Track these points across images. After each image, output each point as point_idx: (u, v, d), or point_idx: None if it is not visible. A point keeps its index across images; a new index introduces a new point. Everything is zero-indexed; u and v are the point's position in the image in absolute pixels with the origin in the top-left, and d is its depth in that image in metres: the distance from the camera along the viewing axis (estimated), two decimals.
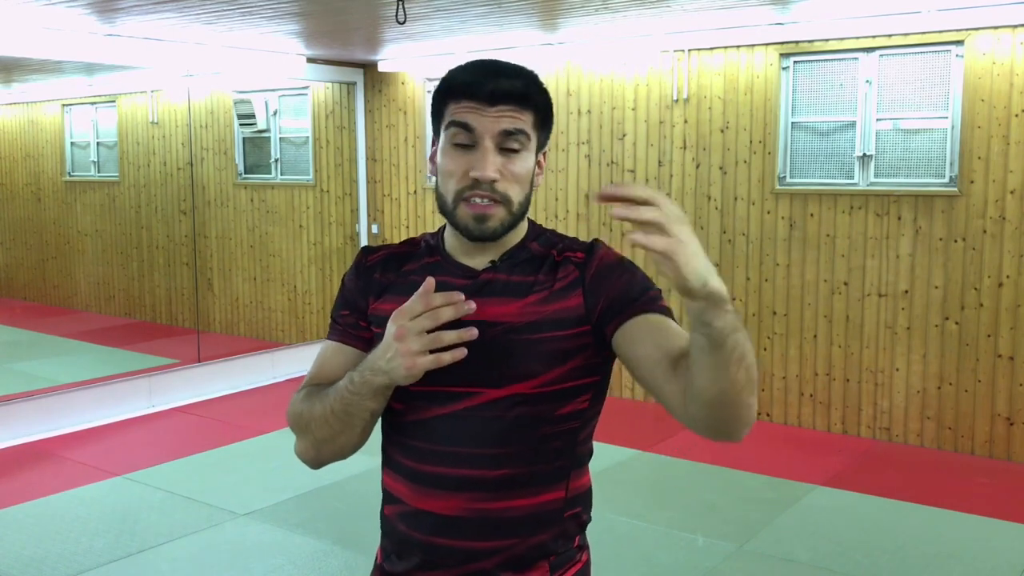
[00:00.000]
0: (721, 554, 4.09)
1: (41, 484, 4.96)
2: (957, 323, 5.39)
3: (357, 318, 1.52)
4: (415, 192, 7.71)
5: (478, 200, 1.39)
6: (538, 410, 1.40)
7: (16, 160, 10.13)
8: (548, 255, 1.47)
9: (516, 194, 1.42)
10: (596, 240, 1.50)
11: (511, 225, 1.43)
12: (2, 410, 5.76)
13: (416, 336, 1.27)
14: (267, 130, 8.25)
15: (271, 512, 4.55)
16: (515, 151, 1.40)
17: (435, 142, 1.47)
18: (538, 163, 1.47)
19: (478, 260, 1.47)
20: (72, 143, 9.60)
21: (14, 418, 5.76)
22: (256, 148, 8.44)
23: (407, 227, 7.78)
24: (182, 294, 8.78)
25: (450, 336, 1.27)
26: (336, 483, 4.87)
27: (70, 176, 9.65)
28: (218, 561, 4.06)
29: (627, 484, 4.95)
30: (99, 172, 9.43)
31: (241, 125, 8.29)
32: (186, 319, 8.65)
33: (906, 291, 5.53)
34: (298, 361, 7.56)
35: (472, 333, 1.28)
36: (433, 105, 1.46)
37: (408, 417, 1.45)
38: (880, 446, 5.61)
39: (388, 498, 1.51)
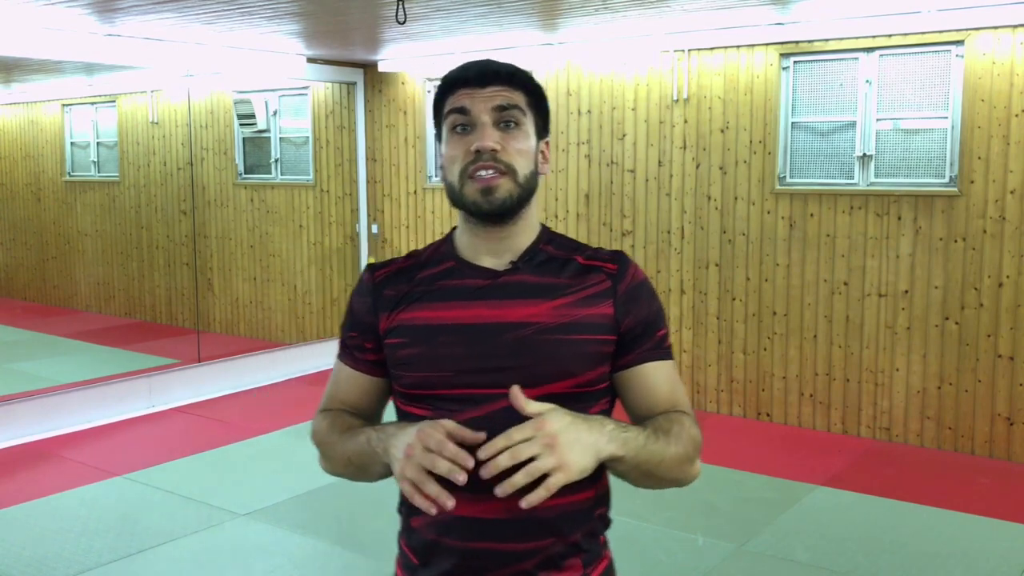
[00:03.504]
0: (721, 554, 4.09)
1: (41, 484, 4.96)
2: (957, 323, 5.39)
3: (364, 339, 1.54)
4: (415, 192, 7.71)
5: (483, 173, 1.42)
6: (571, 410, 1.39)
7: (16, 160, 10.13)
8: (570, 259, 1.50)
9: (521, 166, 1.44)
10: (623, 253, 1.53)
11: (520, 199, 1.45)
12: (2, 410, 5.76)
13: (415, 466, 1.30)
14: (267, 130, 8.25)
15: (271, 512, 4.55)
16: (512, 126, 1.44)
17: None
18: (541, 152, 1.50)
19: (494, 261, 1.48)
20: (72, 143, 9.61)
21: (14, 418, 5.76)
22: (256, 148, 8.44)
23: (407, 227, 7.79)
24: (182, 294, 8.78)
25: (433, 489, 1.28)
26: (336, 483, 4.84)
27: (70, 176, 9.65)
28: (218, 561, 4.06)
29: (627, 484, 4.94)
30: (99, 172, 9.44)
31: (241, 125, 8.29)
32: (186, 319, 8.65)
33: (906, 291, 5.53)
34: (298, 361, 7.57)
35: (449, 504, 1.28)
36: (434, 111, 1.51)
37: None
38: (880, 446, 5.61)
39: (415, 509, 1.47)
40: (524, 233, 1.49)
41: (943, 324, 5.43)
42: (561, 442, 1.26)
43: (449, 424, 1.32)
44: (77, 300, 9.70)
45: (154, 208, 9.00)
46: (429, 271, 1.51)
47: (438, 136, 1.50)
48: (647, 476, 1.39)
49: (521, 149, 1.44)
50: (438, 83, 1.51)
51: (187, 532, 4.32)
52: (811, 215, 5.80)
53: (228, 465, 5.33)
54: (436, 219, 7.58)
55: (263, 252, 8.45)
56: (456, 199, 1.46)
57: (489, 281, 1.46)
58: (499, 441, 1.25)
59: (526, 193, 1.46)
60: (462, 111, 1.44)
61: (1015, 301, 5.21)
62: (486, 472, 1.24)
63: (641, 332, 1.47)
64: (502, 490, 1.24)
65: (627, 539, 4.23)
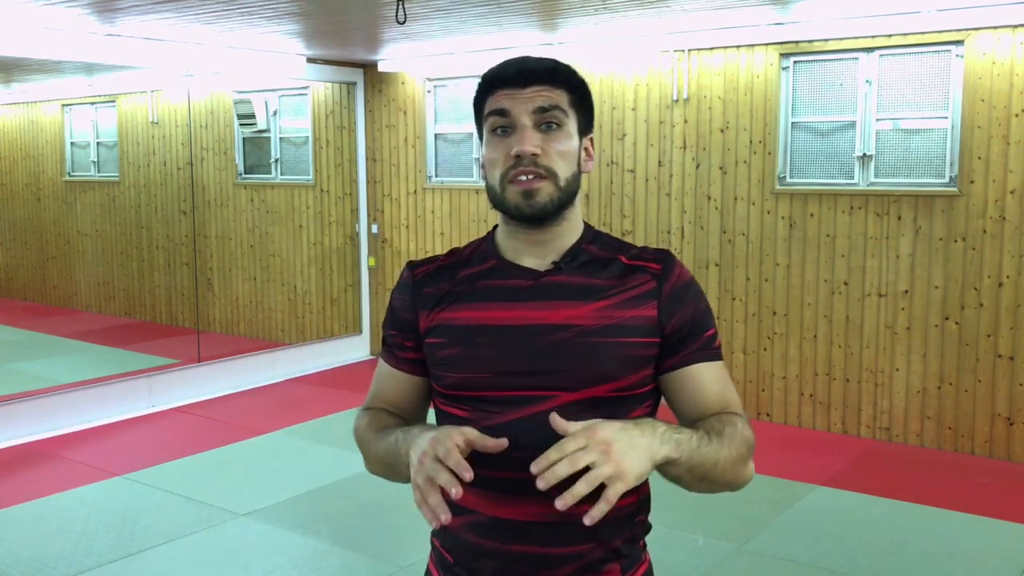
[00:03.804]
0: (721, 554, 4.09)
1: (41, 484, 4.96)
2: (957, 323, 5.39)
3: (404, 338, 1.52)
4: (415, 192, 7.71)
5: (523, 177, 1.40)
6: (613, 413, 1.36)
7: (16, 160, 10.13)
8: (614, 259, 1.47)
9: (562, 169, 1.42)
10: (669, 252, 1.50)
11: (561, 202, 1.42)
12: (2, 410, 5.76)
13: (424, 476, 1.26)
14: (267, 130, 8.25)
15: (271, 512, 4.55)
16: (554, 128, 1.42)
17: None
18: (585, 149, 1.49)
19: (536, 261, 1.46)
20: (72, 143, 9.61)
21: (14, 418, 5.76)
22: (256, 148, 8.44)
23: (407, 227, 7.78)
24: (182, 294, 8.78)
25: (433, 500, 1.24)
26: (336, 483, 4.87)
27: (70, 176, 9.65)
28: (218, 561, 4.06)
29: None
30: (99, 172, 9.44)
31: (241, 125, 8.29)
32: (186, 319, 8.65)
33: (906, 291, 5.53)
34: (298, 361, 7.57)
35: (443, 518, 1.24)
36: (475, 110, 1.48)
37: (480, 424, 1.38)
38: (880, 446, 5.61)
39: (453, 509, 1.45)
40: (567, 234, 1.47)
41: (943, 324, 5.43)
42: (616, 448, 1.21)
43: (471, 432, 1.28)
44: (77, 300, 9.70)
45: (154, 208, 9.00)
46: (470, 270, 1.49)
47: (479, 135, 1.48)
48: (701, 479, 1.36)
49: (563, 151, 1.42)
50: (479, 81, 1.48)
51: (187, 532, 4.32)
52: (811, 215, 5.80)
53: (228, 465, 5.33)
54: (436, 219, 7.58)
55: (263, 252, 8.45)
56: (497, 202, 1.44)
57: (531, 282, 1.44)
58: (551, 453, 1.20)
59: (567, 196, 1.43)
60: (502, 113, 1.41)
61: (1015, 301, 5.21)
62: (543, 483, 1.19)
63: (688, 333, 1.44)
64: (563, 503, 1.19)
65: None
